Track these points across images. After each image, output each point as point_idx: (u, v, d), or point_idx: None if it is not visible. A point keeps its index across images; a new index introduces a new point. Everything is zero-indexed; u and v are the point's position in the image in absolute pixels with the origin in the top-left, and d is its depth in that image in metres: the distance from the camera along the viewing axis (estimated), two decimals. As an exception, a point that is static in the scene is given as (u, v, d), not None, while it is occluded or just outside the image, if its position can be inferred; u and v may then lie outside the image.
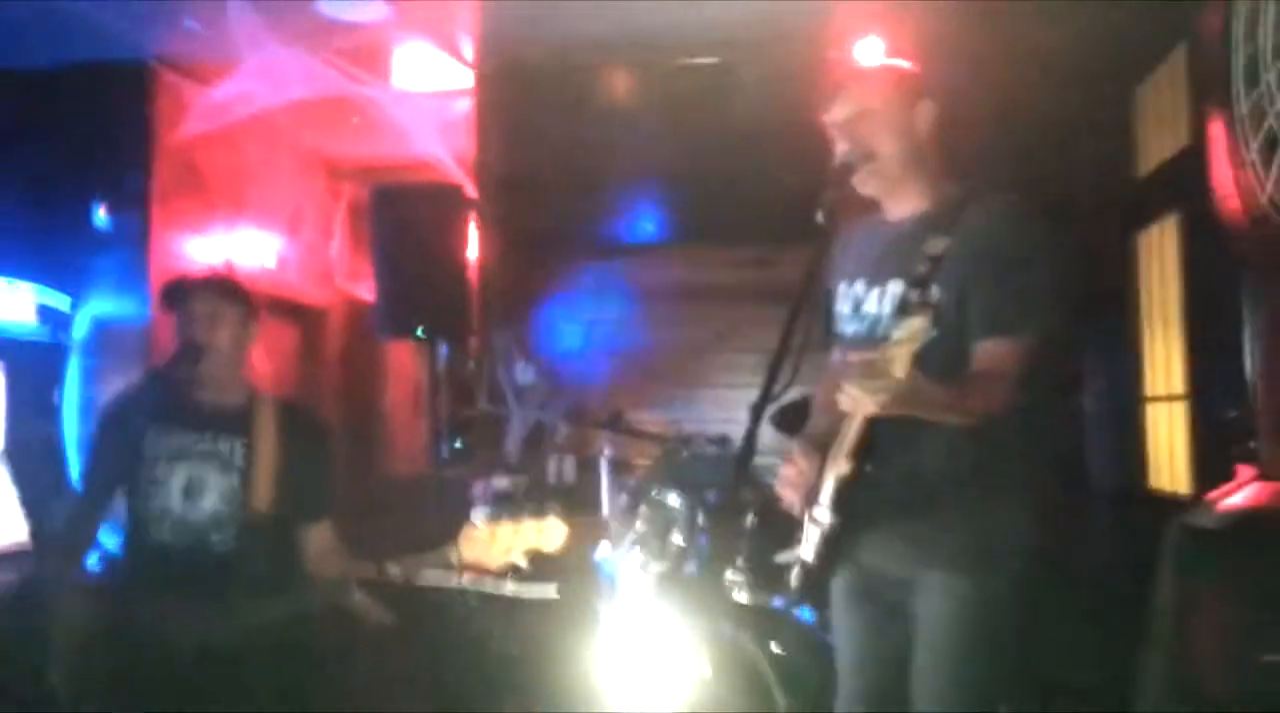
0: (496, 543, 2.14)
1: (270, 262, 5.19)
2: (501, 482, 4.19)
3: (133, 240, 4.31)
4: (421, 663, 2.81)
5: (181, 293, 2.36)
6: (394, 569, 2.14)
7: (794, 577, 1.92)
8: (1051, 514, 2.01)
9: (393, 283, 4.22)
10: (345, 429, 5.31)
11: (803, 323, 1.90)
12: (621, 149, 4.46)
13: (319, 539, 2.33)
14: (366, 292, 5.95)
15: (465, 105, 4.69)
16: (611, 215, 4.45)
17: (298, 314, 5.59)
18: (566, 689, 2.59)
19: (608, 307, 4.44)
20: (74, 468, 4.25)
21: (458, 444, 4.85)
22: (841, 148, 1.99)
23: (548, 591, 2.44)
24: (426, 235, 4.23)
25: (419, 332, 4.25)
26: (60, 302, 4.17)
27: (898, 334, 1.63)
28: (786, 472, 1.97)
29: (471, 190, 4.44)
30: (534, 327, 4.50)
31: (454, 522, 2.22)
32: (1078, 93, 3.71)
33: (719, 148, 4.13)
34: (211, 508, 2.26)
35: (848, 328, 2.08)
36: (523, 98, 4.55)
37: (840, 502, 1.84)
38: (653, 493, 2.93)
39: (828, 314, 2.11)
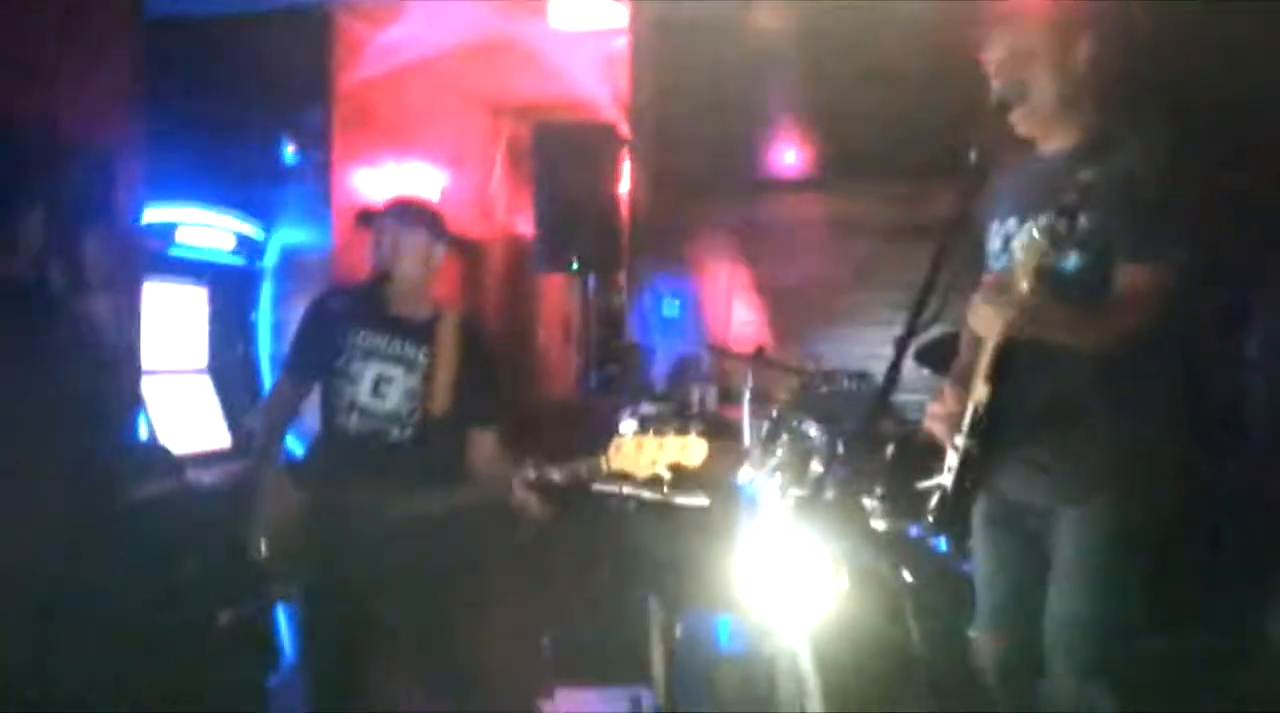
0: (643, 454, 2.32)
1: (435, 196, 5.50)
2: (647, 409, 4.39)
3: (316, 175, 4.67)
4: (576, 560, 3.06)
5: (371, 218, 2.61)
6: (551, 473, 2.34)
7: (933, 505, 2.01)
8: (1192, 447, 2.03)
9: (549, 219, 4.45)
10: (504, 358, 5.61)
11: (950, 260, 1.95)
12: (770, 85, 4.49)
13: (486, 443, 2.57)
14: (523, 226, 6.25)
15: (620, 44, 4.81)
16: (759, 152, 4.50)
17: (459, 247, 5.90)
18: (709, 594, 2.77)
19: (753, 243, 4.53)
20: (267, 383, 4.71)
21: (606, 373, 5.09)
22: (998, 86, 2.02)
23: (699, 499, 2.61)
24: (582, 173, 4.42)
25: (573, 265, 4.48)
26: (254, 231, 4.59)
27: (1020, 252, 1.68)
28: (934, 407, 2.04)
29: (625, 128, 4.58)
30: (681, 261, 4.64)
31: (603, 441, 2.40)
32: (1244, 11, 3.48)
33: (866, 84, 4.12)
34: (394, 404, 2.53)
35: (996, 265, 2.12)
36: (676, 35, 4.63)
37: (978, 427, 1.90)
38: (793, 424, 3.05)
39: (979, 251, 2.16)
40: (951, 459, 1.98)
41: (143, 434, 3.94)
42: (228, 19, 4.48)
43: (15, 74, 3.29)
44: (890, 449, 2.83)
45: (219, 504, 3.94)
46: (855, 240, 4.32)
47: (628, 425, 3.17)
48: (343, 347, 2.56)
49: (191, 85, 4.33)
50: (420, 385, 2.53)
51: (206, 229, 4.37)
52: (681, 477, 2.40)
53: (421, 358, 2.56)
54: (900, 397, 4.04)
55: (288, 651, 3.51)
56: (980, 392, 1.90)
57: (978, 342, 2.01)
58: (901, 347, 1.87)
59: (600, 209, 4.42)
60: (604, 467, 2.36)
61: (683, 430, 2.37)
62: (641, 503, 2.83)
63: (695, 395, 4.42)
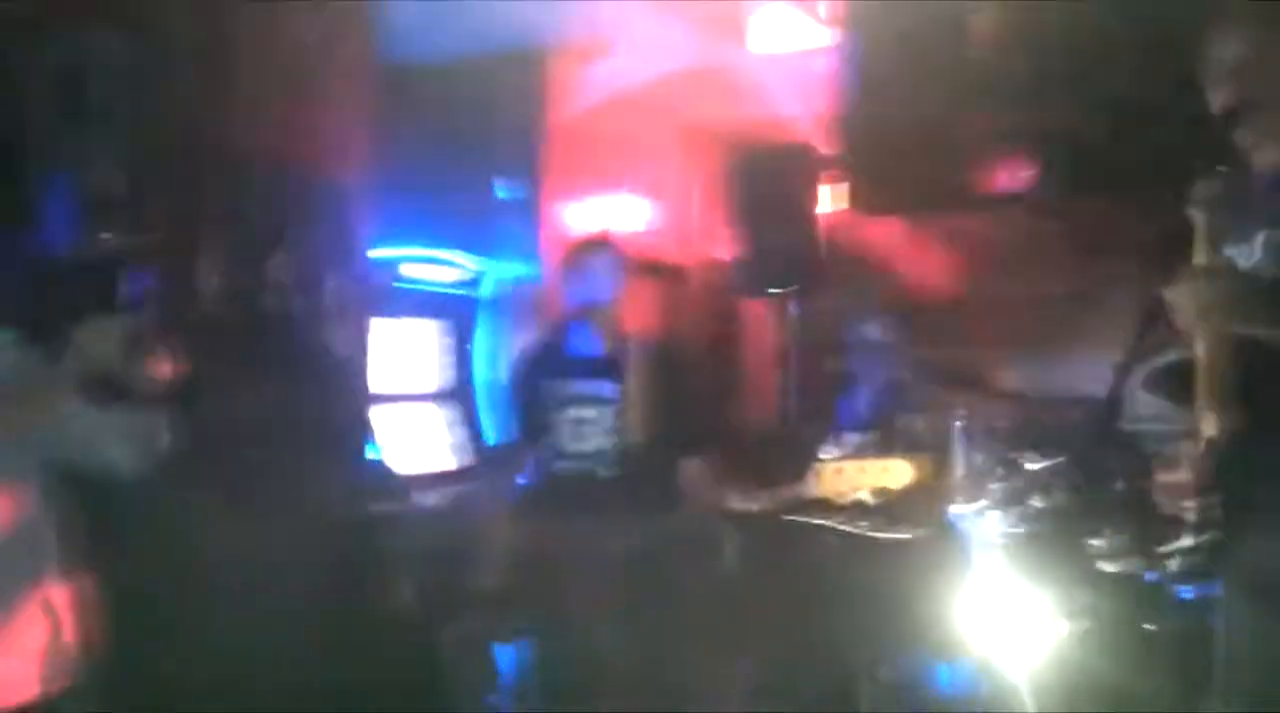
0: (844, 479, 2.26)
1: (640, 226, 5.61)
2: (853, 437, 4.27)
3: (528, 211, 4.88)
4: (781, 595, 3.00)
5: (577, 257, 2.69)
6: (755, 501, 2.32)
7: (1175, 551, 1.81)
8: None
9: (748, 243, 4.44)
10: (705, 383, 5.63)
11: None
12: (982, 97, 4.28)
13: (690, 470, 2.57)
14: (725, 252, 6.27)
15: (821, 64, 4.75)
16: (970, 167, 4.29)
17: (663, 274, 5.99)
18: (918, 633, 2.65)
19: (967, 262, 4.32)
20: (486, 408, 4.96)
21: (810, 400, 4.99)
22: (1226, 93, 1.82)
23: (905, 533, 2.50)
24: (780, 195, 4.39)
25: (772, 290, 4.45)
26: (472, 265, 4.86)
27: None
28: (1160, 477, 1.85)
29: (825, 148, 4.51)
30: (887, 282, 4.50)
31: (807, 469, 2.35)
32: None
33: (1089, 92, 3.84)
34: (595, 444, 2.58)
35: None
36: (880, 50, 4.51)
37: (1219, 465, 1.70)
38: (1012, 455, 2.88)
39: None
40: (1189, 514, 1.78)
41: (375, 457, 4.23)
42: (446, 63, 4.78)
43: (263, 125, 3.65)
44: (1120, 483, 2.60)
45: (443, 525, 4.18)
46: (1082, 258, 4.03)
47: (829, 452, 3.10)
48: (543, 399, 2.65)
49: (414, 129, 4.64)
50: (616, 421, 2.58)
51: (430, 265, 4.67)
52: (888, 508, 2.32)
53: (614, 394, 2.60)
54: (1135, 426, 3.78)
55: (506, 673, 3.66)
56: (1210, 420, 1.69)
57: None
58: (1123, 372, 1.71)
59: (798, 231, 4.37)
60: (806, 493, 2.32)
61: (885, 454, 2.29)
62: (843, 536, 2.74)
63: (903, 423, 4.25)
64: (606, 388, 2.63)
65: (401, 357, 4.62)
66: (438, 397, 4.83)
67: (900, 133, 4.47)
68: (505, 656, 3.62)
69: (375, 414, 4.28)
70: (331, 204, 3.96)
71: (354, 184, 4.05)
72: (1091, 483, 2.70)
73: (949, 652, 2.57)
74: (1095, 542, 2.59)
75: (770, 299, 4.49)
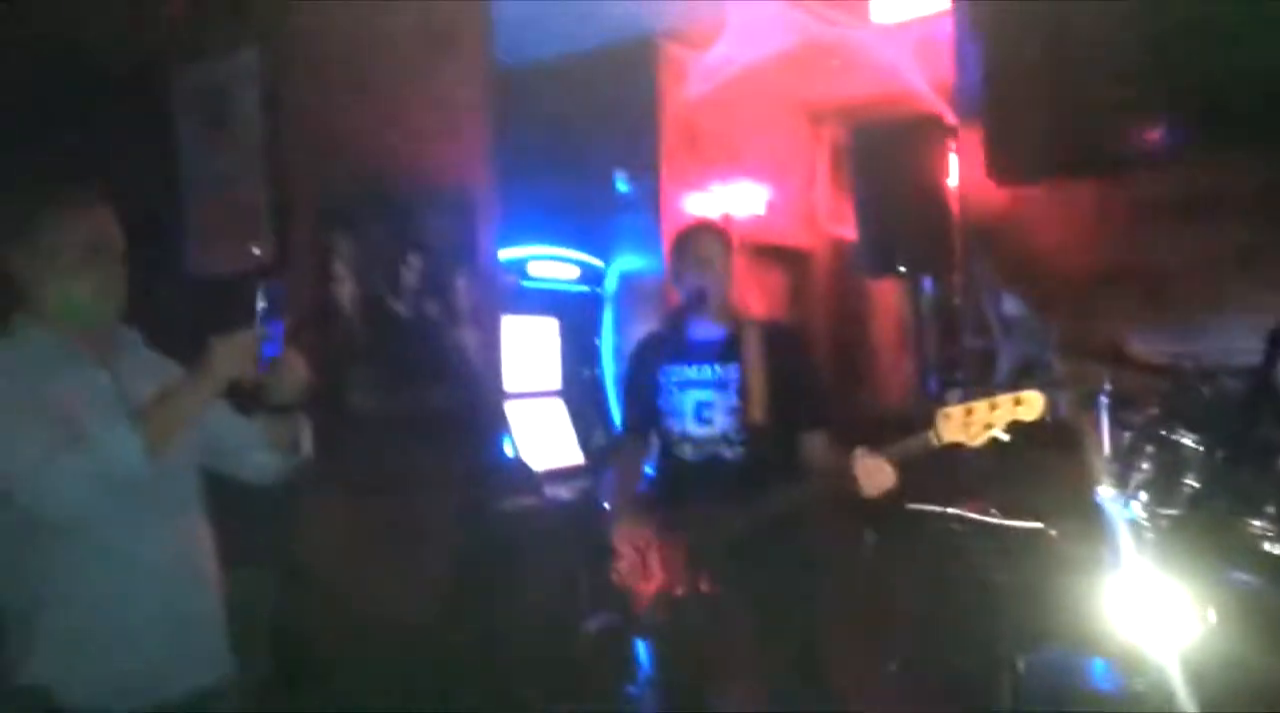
0: (974, 419, 2.15)
1: (760, 209, 5.56)
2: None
3: (648, 202, 4.90)
4: (912, 585, 2.93)
5: (684, 241, 2.68)
6: (883, 453, 2.22)
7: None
8: None
9: (873, 221, 4.32)
10: (834, 366, 5.54)
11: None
12: (1115, 49, 4.02)
13: (817, 442, 2.53)
14: (849, 232, 6.14)
15: (939, 31, 4.57)
16: (1107, 126, 4.04)
17: (786, 257, 5.92)
18: (1059, 624, 2.53)
19: (1108, 228, 4.08)
20: (612, 402, 5.02)
21: (945, 379, 4.84)
22: None
23: (1036, 523, 2.38)
24: (905, 170, 4.25)
25: (900, 268, 4.31)
26: (595, 261, 4.91)
27: None
28: None
29: (950, 118, 4.34)
30: (1021, 255, 4.29)
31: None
32: None
33: (1239, 36, 3.55)
34: (720, 426, 2.57)
35: None
36: (1004, 10, 4.31)
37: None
38: (1162, 433, 2.70)
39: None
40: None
41: (508, 452, 4.35)
42: (559, 60, 4.84)
43: (389, 134, 3.78)
44: (1285, 459, 2.40)
45: (576, 518, 4.26)
46: (1233, 220, 3.74)
47: (952, 395, 2.98)
48: (661, 386, 2.64)
49: (530, 127, 4.72)
50: (739, 401, 2.56)
51: (553, 262, 4.75)
52: (1022, 498, 2.20)
53: (733, 374, 2.58)
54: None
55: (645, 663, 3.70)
56: None
57: None
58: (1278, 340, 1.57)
59: (926, 207, 4.21)
60: (935, 440, 2.22)
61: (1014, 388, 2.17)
62: (973, 524, 2.63)
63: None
64: (726, 370, 2.60)
65: (530, 354, 4.72)
66: (565, 392, 4.92)
67: (1035, 95, 4.26)
68: (643, 648, 3.68)
69: (508, 410, 4.40)
70: (457, 207, 4.08)
71: (477, 185, 4.16)
72: (1251, 459, 2.51)
73: (1095, 645, 2.44)
74: (1257, 523, 2.41)
75: (900, 277, 4.35)
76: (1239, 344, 3.64)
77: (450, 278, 4.08)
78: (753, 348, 2.58)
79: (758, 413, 2.53)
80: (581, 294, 4.93)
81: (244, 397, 1.96)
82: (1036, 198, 4.26)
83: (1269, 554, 2.35)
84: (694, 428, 2.61)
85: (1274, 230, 3.55)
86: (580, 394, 4.94)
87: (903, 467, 2.26)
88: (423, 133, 3.94)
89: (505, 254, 4.41)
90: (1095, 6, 4.00)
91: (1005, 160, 4.33)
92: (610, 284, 5.03)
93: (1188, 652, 2.14)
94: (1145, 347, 3.69)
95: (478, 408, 4.14)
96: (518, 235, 4.51)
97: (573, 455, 4.79)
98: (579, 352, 4.96)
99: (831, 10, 4.57)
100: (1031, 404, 2.11)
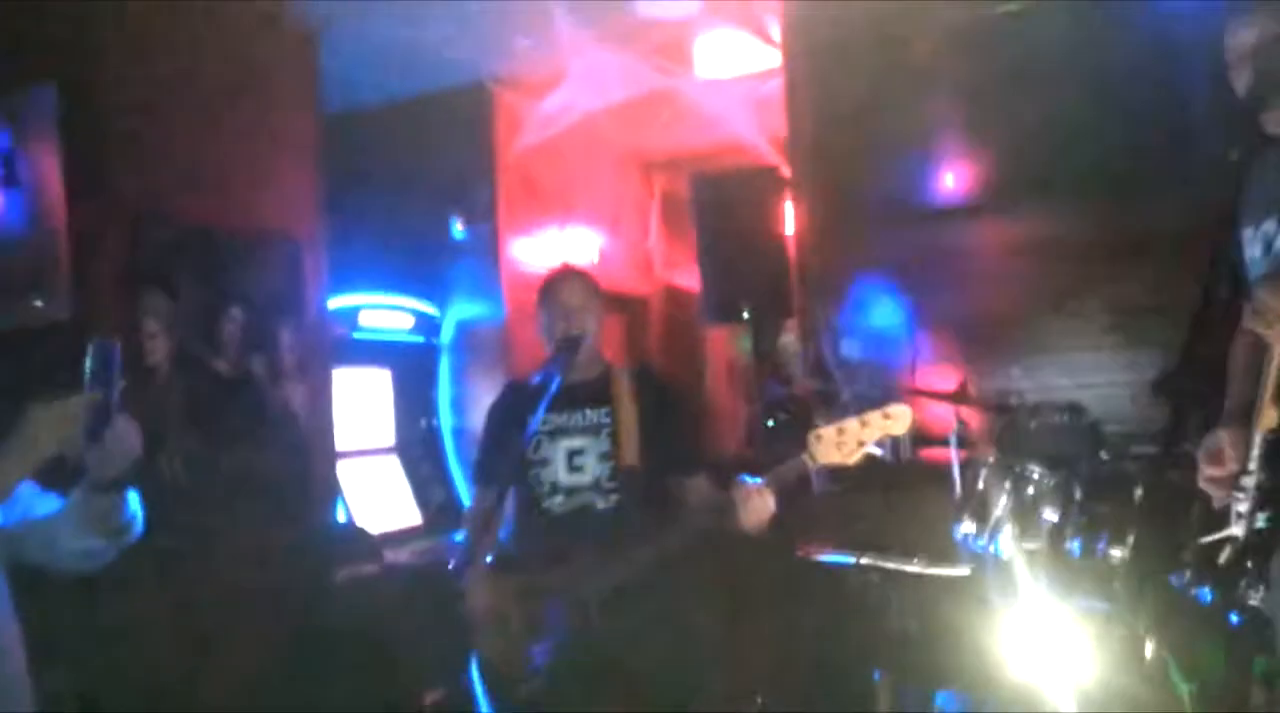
0: (846, 438, 2.12)
1: (595, 256, 5.50)
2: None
3: (485, 249, 4.75)
4: (792, 622, 2.87)
5: (552, 288, 2.56)
6: (761, 484, 2.15)
7: (1224, 556, 1.75)
8: None
9: (717, 269, 4.36)
10: (689, 405, 5.52)
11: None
12: (936, 108, 4.27)
13: (698, 487, 2.45)
14: (681, 279, 6.20)
15: (772, 86, 4.71)
16: (931, 178, 4.26)
17: (621, 304, 5.89)
18: (939, 664, 2.54)
19: (934, 274, 4.28)
20: (450, 457, 4.79)
21: (772, 423, 4.91)
22: (1249, 78, 1.77)
23: (962, 569, 2.39)
24: (746, 219, 4.32)
25: (744, 314, 4.36)
26: (430, 309, 4.70)
27: None
28: (1210, 470, 1.78)
29: (785, 169, 4.45)
30: (856, 300, 4.44)
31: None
32: None
33: (1041, 98, 3.85)
34: (592, 473, 2.45)
35: (1255, 272, 1.86)
36: (830, 69, 4.49)
37: (1272, 457, 1.65)
38: (1016, 467, 2.80)
39: (1233, 268, 1.90)
40: (1238, 500, 1.73)
41: (342, 516, 4.03)
42: (393, 105, 4.65)
43: (206, 182, 3.48)
44: (1139, 491, 2.53)
45: (419, 584, 3.99)
46: (1050, 264, 4.01)
47: (821, 418, 2.97)
48: (530, 435, 2.50)
49: (364, 172, 4.49)
50: (610, 446, 2.45)
51: (386, 311, 4.50)
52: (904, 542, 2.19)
53: (604, 419, 2.48)
54: (1112, 428, 3.74)
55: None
56: (1271, 416, 1.64)
57: (1248, 369, 1.76)
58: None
59: (766, 254, 4.30)
60: (810, 462, 2.17)
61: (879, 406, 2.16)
62: (875, 571, 2.62)
63: (888, 442, 4.18)
64: (598, 414, 2.49)
65: (362, 408, 4.44)
66: (400, 448, 4.65)
67: (848, 149, 4.45)
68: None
69: (340, 470, 4.10)
70: (282, 256, 3.80)
71: (304, 234, 3.89)
72: (1101, 491, 2.64)
73: (968, 681, 2.46)
74: (1116, 552, 2.52)
75: (740, 324, 4.39)
76: (1058, 381, 3.90)
77: (275, 331, 3.77)
78: (623, 392, 2.48)
79: (630, 457, 2.42)
80: (416, 344, 4.70)
81: (60, 472, 1.67)
82: (868, 246, 4.43)
83: (1127, 583, 2.45)
84: (565, 476, 2.47)
85: (1086, 271, 3.83)
86: (416, 450, 4.69)
87: (780, 495, 2.21)
88: (245, 179, 3.66)
89: (335, 303, 4.13)
90: (910, 69, 4.24)
91: (833, 211, 4.50)
92: (446, 333, 4.82)
93: (1065, 684, 2.17)
94: (974, 385, 3.88)
95: (307, 470, 3.82)
96: (349, 284, 4.25)
97: (410, 516, 4.52)
98: (414, 405, 4.71)
99: (664, 63, 4.61)
100: (900, 418, 2.11)
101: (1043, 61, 3.98)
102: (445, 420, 4.82)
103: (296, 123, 3.89)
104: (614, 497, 2.44)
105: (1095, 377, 3.95)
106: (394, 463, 4.58)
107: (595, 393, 2.51)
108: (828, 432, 2.12)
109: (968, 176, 4.29)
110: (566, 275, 2.67)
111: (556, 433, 2.49)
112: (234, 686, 3.06)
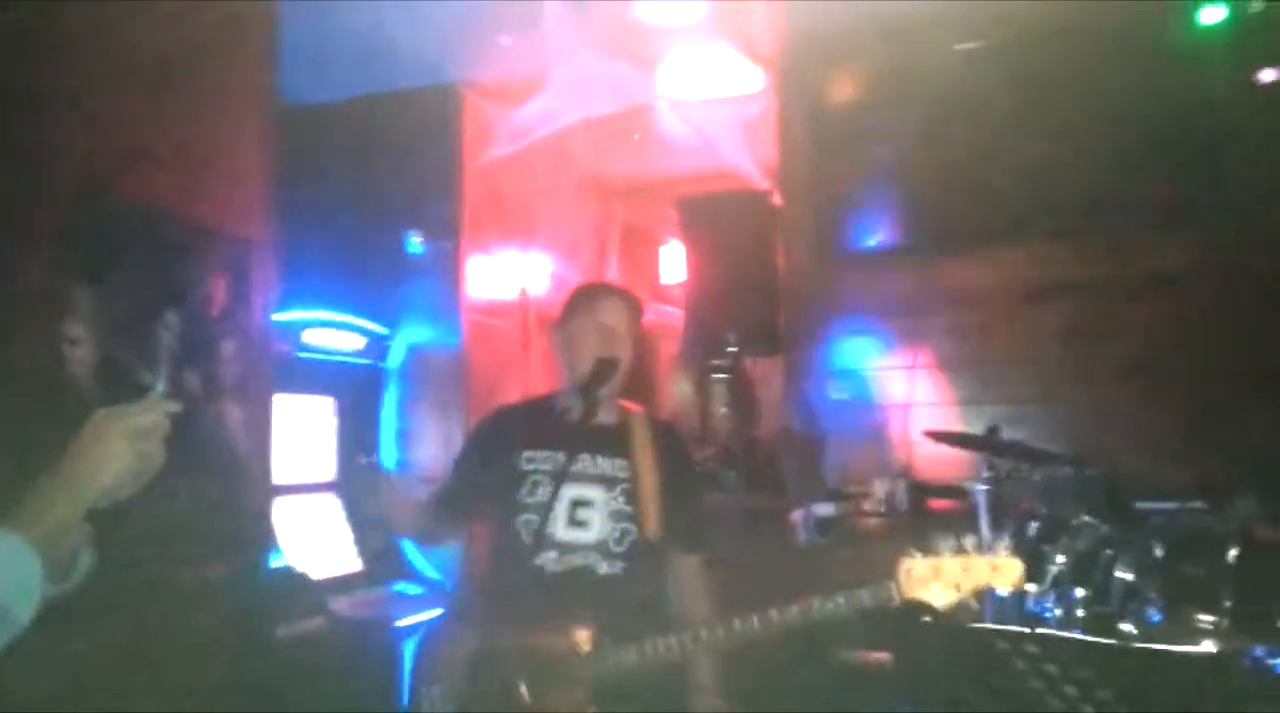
0: (941, 579, 1.84)
1: (548, 286, 5.11)
2: (825, 509, 3.90)
3: (443, 267, 4.32)
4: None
5: (588, 302, 2.19)
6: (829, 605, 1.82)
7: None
8: None
9: (700, 299, 4.05)
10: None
11: None
12: (934, 144, 4.09)
13: (689, 572, 2.09)
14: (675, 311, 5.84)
15: (757, 109, 4.47)
16: (935, 212, 4.06)
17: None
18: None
19: (930, 314, 4.07)
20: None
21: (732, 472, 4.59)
22: None
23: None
24: (735, 245, 4.04)
25: (731, 348, 4.05)
26: (380, 331, 4.23)
27: None
28: None
29: (777, 197, 4.20)
30: (847, 339, 4.19)
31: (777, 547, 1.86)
32: None
33: (1047, 134, 3.72)
34: (598, 532, 2.06)
35: None
36: (817, 95, 4.29)
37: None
38: (1073, 520, 2.54)
39: None
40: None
41: (280, 561, 3.52)
42: (350, 102, 4.22)
43: (148, 164, 3.00)
44: (1234, 551, 2.28)
45: (365, 639, 3.50)
46: (1059, 303, 3.84)
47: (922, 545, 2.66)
48: (523, 474, 2.09)
49: (309, 175, 4.03)
50: (626, 505, 2.06)
51: (332, 330, 4.01)
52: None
53: (620, 471, 2.09)
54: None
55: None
56: None
57: None
58: None
59: (757, 284, 4.01)
60: (894, 595, 1.85)
61: (984, 547, 1.86)
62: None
63: (882, 490, 3.91)
64: (614, 464, 2.10)
65: (301, 438, 3.93)
66: (340, 485, 4.14)
67: (842, 180, 4.25)
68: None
69: (280, 508, 3.58)
70: (228, 259, 3.31)
71: (254, 233, 3.41)
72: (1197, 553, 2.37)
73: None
74: (1203, 617, 2.26)
75: (728, 358, 4.07)
76: (1056, 431, 3.70)
77: (215, 344, 3.27)
78: (644, 444, 2.10)
79: (652, 525, 2.05)
80: (361, 368, 4.21)
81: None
82: (865, 281, 4.20)
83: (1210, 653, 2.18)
84: (565, 530, 2.06)
85: (1094, 311, 3.68)
86: (357, 487, 4.18)
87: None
88: (192, 164, 3.17)
89: (278, 318, 3.64)
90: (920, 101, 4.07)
91: (826, 243, 4.26)
92: (395, 357, 4.35)
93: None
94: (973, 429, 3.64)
95: (244, 506, 3.31)
96: (292, 297, 3.76)
97: (350, 562, 4.00)
98: (358, 438, 4.21)
99: (657, 77, 4.32)
100: (1009, 571, 1.81)
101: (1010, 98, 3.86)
102: (390, 455, 4.34)
103: (252, 107, 3.43)
104: (621, 564, 2.06)
105: (1104, 427, 3.78)
106: (333, 501, 4.07)
107: (613, 439, 2.12)
108: (920, 566, 1.83)
109: (968, 212, 4.07)
110: (607, 289, 2.30)
111: (560, 477, 2.07)
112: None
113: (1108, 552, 2.45)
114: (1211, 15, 3.72)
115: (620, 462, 2.12)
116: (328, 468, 4.09)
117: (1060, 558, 2.53)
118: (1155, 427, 3.58)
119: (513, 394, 4.75)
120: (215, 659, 2.95)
